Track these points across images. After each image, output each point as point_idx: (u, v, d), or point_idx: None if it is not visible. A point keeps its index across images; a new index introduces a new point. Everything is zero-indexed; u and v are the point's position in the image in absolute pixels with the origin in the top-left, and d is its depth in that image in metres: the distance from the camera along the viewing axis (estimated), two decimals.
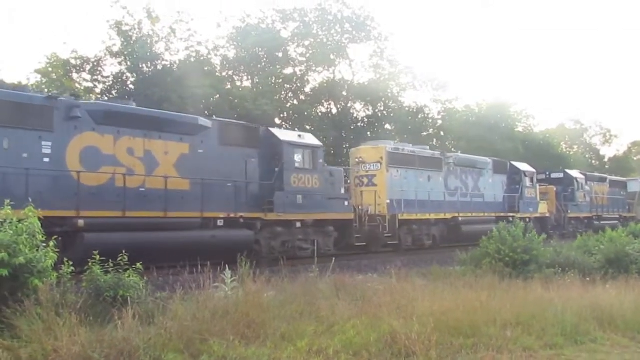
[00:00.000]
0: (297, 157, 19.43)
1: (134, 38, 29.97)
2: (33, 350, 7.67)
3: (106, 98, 28.91)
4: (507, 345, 8.99)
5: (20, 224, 9.17)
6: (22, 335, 8.01)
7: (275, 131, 19.91)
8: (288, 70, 36.92)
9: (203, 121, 17.41)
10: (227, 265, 12.08)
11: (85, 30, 48.14)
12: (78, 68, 30.35)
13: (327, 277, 13.34)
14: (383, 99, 39.27)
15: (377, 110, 39.36)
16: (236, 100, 30.92)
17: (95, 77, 30.78)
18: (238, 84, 34.37)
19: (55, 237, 9.92)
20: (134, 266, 10.30)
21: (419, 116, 41.12)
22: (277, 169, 18.61)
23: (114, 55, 30.40)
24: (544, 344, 9.50)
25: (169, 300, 10.25)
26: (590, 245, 19.68)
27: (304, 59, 37.67)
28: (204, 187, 16.49)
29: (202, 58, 32.22)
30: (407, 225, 23.74)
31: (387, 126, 39.26)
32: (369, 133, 36.83)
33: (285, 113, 35.78)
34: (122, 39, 30.02)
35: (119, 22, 30.13)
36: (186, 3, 57.10)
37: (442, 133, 42.38)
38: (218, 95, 30.38)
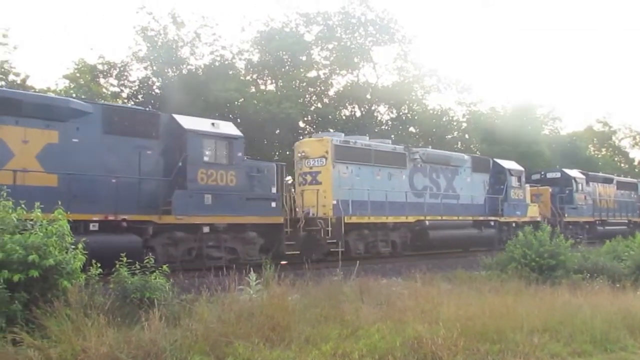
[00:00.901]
0: (207, 149, 16.56)
1: (159, 43, 30.41)
2: (62, 350, 7.81)
3: (132, 102, 29.45)
4: (534, 351, 8.90)
5: (50, 227, 9.34)
6: (51, 335, 8.15)
7: (180, 118, 16.72)
8: (312, 74, 36.97)
9: (79, 104, 14.88)
10: (251, 268, 12.17)
11: (112, 35, 48.83)
12: (105, 73, 30.98)
13: (351, 281, 13.35)
14: (407, 102, 39.13)
15: (401, 113, 39.23)
16: (260, 104, 31.11)
17: (122, 82, 31.37)
18: (262, 87, 34.57)
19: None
20: (160, 268, 10.41)
21: (444, 119, 40.87)
22: (180, 163, 15.86)
23: (140, 60, 30.93)
24: (572, 350, 9.39)
25: (194, 302, 10.36)
26: (619, 251, 19.43)
27: (328, 62, 37.70)
28: (73, 184, 13.81)
29: (226, 62, 32.53)
30: (358, 230, 20.65)
31: (412, 129, 39.12)
32: (392, 136, 36.85)
33: (309, 116, 35.86)
34: (148, 44, 30.51)
35: (144, 27, 30.63)
36: (211, 8, 57.62)
37: (467, 136, 42.06)
38: (242, 99, 30.58)
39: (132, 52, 31.15)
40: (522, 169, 29.55)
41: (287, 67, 35.56)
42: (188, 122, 16.62)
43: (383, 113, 39.94)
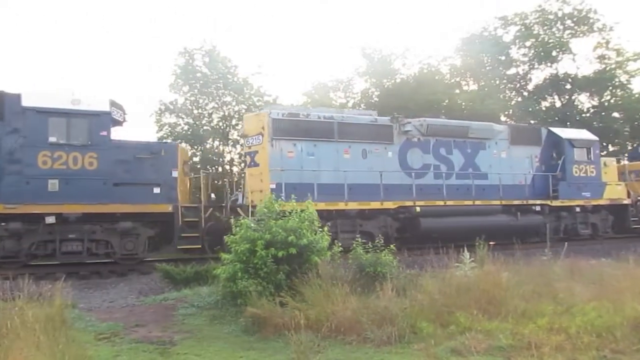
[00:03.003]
0: (56, 130, 13.28)
1: (375, 59, 31.49)
2: (317, 312, 8.50)
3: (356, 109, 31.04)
4: None
5: (302, 214, 10.22)
6: (307, 300, 8.89)
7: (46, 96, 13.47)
8: (511, 71, 35.08)
9: None
10: (465, 248, 12.01)
11: (339, 57, 51.97)
12: (334, 88, 33.01)
13: (560, 261, 12.46)
14: (610, 88, 35.06)
15: (603, 100, 35.29)
16: (463, 104, 30.62)
17: (347, 94, 33.22)
18: (465, 88, 33.78)
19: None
20: (388, 247, 10.74)
21: None
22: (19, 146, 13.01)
23: (361, 75, 32.35)
24: None
25: (417, 276, 10.56)
26: None
27: (526, 59, 35.41)
28: None
29: (432, 69, 32.51)
30: None
31: (615, 114, 34.95)
32: (594, 123, 33.33)
33: (510, 110, 34.09)
34: (367, 61, 31.85)
35: (363, 47, 32.05)
36: (419, 22, 57.83)
37: None
38: (448, 100, 30.30)
39: (355, 69, 32.86)
40: (593, 138, 21.33)
41: (487, 68, 34.30)
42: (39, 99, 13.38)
43: (584, 102, 36.32)
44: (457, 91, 32.70)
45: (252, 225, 10.10)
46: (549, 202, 19.41)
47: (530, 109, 33.07)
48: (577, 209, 20.17)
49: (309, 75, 59.68)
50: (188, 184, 15.95)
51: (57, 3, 63.23)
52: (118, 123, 14.92)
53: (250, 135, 16.16)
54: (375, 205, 16.42)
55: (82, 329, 8.79)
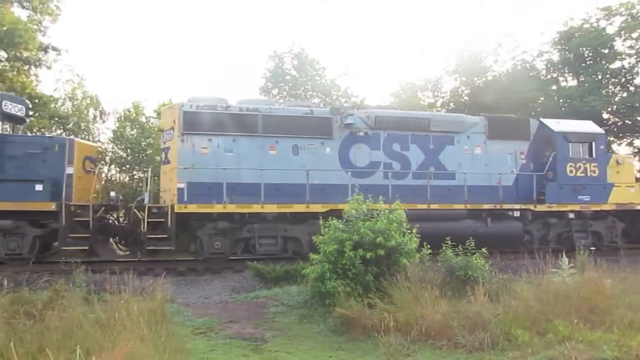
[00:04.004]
0: None
1: (466, 57, 30.70)
2: (406, 314, 8.45)
3: (444, 110, 30.38)
4: None
5: (391, 215, 10.18)
6: (396, 302, 8.86)
7: None
8: (615, 65, 32.85)
9: None
10: (563, 253, 11.43)
11: (428, 56, 51.18)
12: (422, 88, 32.55)
13: None
14: None
15: None
16: (561, 100, 29.09)
17: (436, 94, 32.62)
18: (563, 84, 32.06)
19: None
20: (479, 250, 10.44)
21: None
22: None
23: (450, 73, 31.66)
24: None
25: (511, 281, 10.20)
26: None
27: (633, 51, 33.02)
28: None
29: (527, 65, 31.19)
30: (216, 222, 14.18)
31: None
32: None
33: (613, 107, 31.93)
34: (457, 59, 31.14)
35: (455, 46, 31.46)
36: (512, 17, 55.66)
37: None
38: (543, 97, 28.90)
39: (444, 68, 32.22)
40: (595, 131, 17.79)
41: (588, 62, 32.35)
42: None
43: None
44: (554, 87, 31.11)
45: (341, 226, 10.20)
46: (531, 207, 16.38)
47: (637, 105, 30.83)
48: (571, 215, 16.92)
49: (397, 75, 59.12)
50: (95, 182, 14.75)
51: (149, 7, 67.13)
52: (15, 118, 14.38)
53: (164, 130, 15.06)
54: (299, 208, 14.45)
55: (181, 323, 9.28)
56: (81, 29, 58.18)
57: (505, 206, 16.16)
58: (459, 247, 10.46)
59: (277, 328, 9.28)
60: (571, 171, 17.04)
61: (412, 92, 32.08)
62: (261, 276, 12.99)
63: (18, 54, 22.51)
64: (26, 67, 23.71)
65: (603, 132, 18.09)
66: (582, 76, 31.56)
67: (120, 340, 6.31)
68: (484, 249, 10.45)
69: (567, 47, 30.91)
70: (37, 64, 24.03)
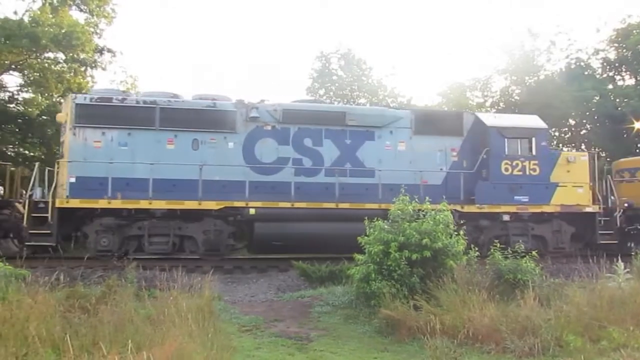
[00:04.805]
0: None
1: (516, 55, 29.97)
2: (452, 317, 8.31)
3: (494, 110, 29.70)
4: None
5: (438, 216, 10.04)
6: (443, 305, 8.73)
7: None
8: None
9: None
10: (619, 258, 10.99)
11: (477, 55, 50.22)
12: (471, 87, 31.95)
13: None
14: None
15: None
16: (617, 100, 28.03)
17: (485, 94, 31.96)
18: (620, 83, 30.87)
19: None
20: (529, 253, 10.16)
21: None
22: None
23: (500, 73, 30.99)
24: None
25: (563, 286, 9.90)
26: None
27: None
28: None
29: (582, 64, 30.16)
30: (101, 218, 13.72)
31: None
32: None
33: None
34: (508, 58, 30.48)
35: (504, 43, 30.70)
36: (566, 15, 53.95)
37: None
38: (599, 97, 27.88)
39: (494, 67, 31.59)
40: (536, 126, 16.19)
41: None
42: None
43: None
44: (610, 87, 29.99)
45: (386, 227, 10.13)
46: (458, 208, 14.82)
47: None
48: (506, 217, 15.47)
49: (445, 75, 58.17)
50: None
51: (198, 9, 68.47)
52: None
53: (61, 124, 14.55)
54: (191, 205, 13.87)
55: (227, 320, 9.43)
56: (133, 29, 59.97)
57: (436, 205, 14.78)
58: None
59: (322, 328, 9.30)
60: (507, 169, 15.51)
61: (460, 91, 31.52)
62: (306, 276, 13.05)
63: (75, 55, 23.37)
64: (83, 69, 24.58)
65: (545, 127, 16.51)
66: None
67: (170, 336, 6.46)
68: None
69: (624, 45, 29.80)
70: (93, 65, 24.89)
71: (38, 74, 23.57)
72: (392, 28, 62.52)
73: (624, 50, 30.42)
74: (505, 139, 15.58)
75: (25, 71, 23.97)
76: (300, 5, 68.70)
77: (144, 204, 13.66)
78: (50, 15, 22.32)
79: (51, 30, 21.46)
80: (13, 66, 23.50)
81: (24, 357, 6.14)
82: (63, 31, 21.81)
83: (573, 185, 15.83)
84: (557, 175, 15.86)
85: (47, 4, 23.00)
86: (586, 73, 29.61)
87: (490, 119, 16.25)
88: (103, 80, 28.60)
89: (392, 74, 38.82)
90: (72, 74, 23.96)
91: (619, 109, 27.42)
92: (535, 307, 8.38)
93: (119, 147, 14.02)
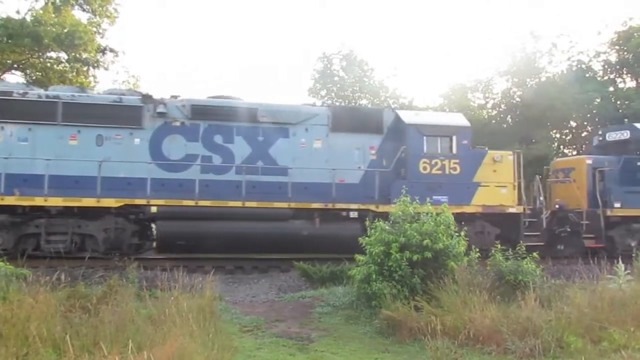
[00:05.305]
0: None
1: (518, 57, 29.96)
2: (453, 318, 8.31)
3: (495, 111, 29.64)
4: None
5: (438, 217, 10.03)
6: (444, 306, 8.73)
7: None
8: None
9: None
10: (620, 259, 10.98)
11: (478, 57, 50.14)
12: (472, 89, 31.92)
13: None
14: None
15: None
16: (618, 102, 28.03)
17: (487, 95, 31.91)
18: (621, 85, 30.86)
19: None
20: (530, 255, 10.15)
21: None
22: None
23: (502, 74, 30.98)
24: None
25: (564, 287, 9.89)
26: None
27: None
28: None
29: (583, 66, 30.14)
30: None
31: None
32: None
33: None
34: (510, 60, 30.48)
35: (507, 45, 30.64)
36: (568, 17, 53.85)
37: None
38: (600, 99, 27.86)
39: (495, 68, 31.62)
40: (458, 124, 15.66)
41: None
42: None
43: None
44: (612, 89, 29.97)
45: (387, 227, 10.13)
46: (372, 207, 14.37)
47: None
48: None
49: (447, 76, 58.14)
50: None
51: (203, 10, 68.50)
52: None
53: None
54: (89, 202, 13.32)
55: (229, 320, 9.42)
56: (135, 29, 60.02)
57: (339, 206, 14.39)
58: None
59: (323, 328, 9.29)
60: (425, 168, 14.97)
61: (462, 93, 31.47)
62: (307, 276, 13.03)
63: (78, 55, 23.41)
64: (85, 68, 24.64)
65: (467, 125, 15.78)
66: None
67: (171, 336, 6.46)
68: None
69: (625, 48, 29.79)
70: (96, 65, 24.93)
71: (40, 74, 23.65)
72: (395, 29, 62.59)
73: (625, 53, 30.42)
74: (424, 137, 15.10)
75: (28, 70, 24.05)
76: (303, 6, 68.76)
77: (39, 201, 13.21)
78: (53, 15, 22.37)
79: (54, 29, 21.52)
80: (15, 65, 23.58)
81: (24, 357, 6.14)
82: (65, 31, 21.87)
83: (496, 185, 15.31)
84: (482, 174, 15.35)
85: (50, 4, 23.05)
86: (587, 75, 29.59)
87: (410, 116, 15.79)
88: (105, 80, 28.64)
89: (394, 75, 39.04)
90: (74, 74, 24.01)
91: (620, 111, 27.43)
92: (536, 308, 8.37)
93: (19, 142, 13.62)
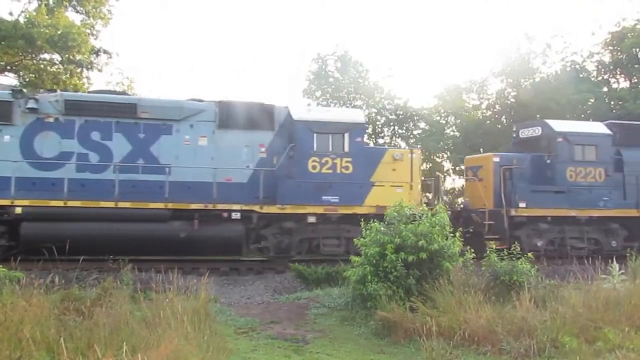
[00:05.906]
0: None
1: (512, 58, 30.04)
2: (449, 319, 8.32)
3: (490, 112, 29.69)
4: None
5: (434, 218, 10.04)
6: (439, 307, 8.75)
7: None
8: None
9: None
10: (614, 259, 11.01)
11: (473, 57, 50.17)
12: (467, 90, 31.96)
13: None
14: None
15: None
16: (612, 102, 28.15)
17: (481, 96, 31.95)
18: (614, 86, 30.97)
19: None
20: (525, 256, 10.16)
21: None
22: None
23: (496, 75, 31.05)
24: None
25: (558, 287, 9.92)
26: None
27: None
28: None
29: (577, 66, 30.25)
30: None
31: None
32: None
33: None
34: (504, 60, 30.52)
35: (500, 46, 30.62)
36: (561, 18, 54.08)
37: None
38: (594, 99, 27.97)
39: (489, 69, 31.67)
40: (353, 120, 14.89)
41: None
42: None
43: None
44: (605, 89, 30.09)
45: (382, 228, 10.13)
46: (256, 208, 13.93)
47: None
48: (311, 219, 14.14)
49: (442, 77, 58.14)
50: None
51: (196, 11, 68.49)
52: None
53: None
54: None
55: (223, 322, 9.39)
56: (129, 31, 59.90)
57: (221, 206, 13.77)
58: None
59: (319, 330, 9.28)
60: (315, 167, 14.23)
61: (456, 93, 31.50)
62: (302, 278, 13.03)
63: (71, 57, 23.29)
64: (79, 70, 24.49)
65: (362, 122, 15.19)
66: (634, 77, 30.50)
67: (165, 338, 6.43)
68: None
69: (619, 48, 29.93)
70: (89, 66, 24.78)
71: (34, 75, 23.51)
72: (390, 30, 62.63)
73: (619, 53, 30.56)
74: (314, 134, 14.34)
75: (21, 72, 23.90)
76: (297, 8, 68.77)
77: None
78: (46, 17, 22.26)
79: (47, 31, 21.40)
80: (8, 67, 23.44)
81: None
82: (59, 32, 21.75)
83: (392, 185, 14.55)
84: (380, 174, 14.67)
85: (43, 5, 22.93)
86: (581, 76, 29.69)
87: (300, 112, 14.90)
88: (99, 82, 28.49)
89: (389, 76, 38.86)
90: (68, 76, 23.87)
91: (614, 111, 27.52)
92: (531, 309, 8.40)
93: None
